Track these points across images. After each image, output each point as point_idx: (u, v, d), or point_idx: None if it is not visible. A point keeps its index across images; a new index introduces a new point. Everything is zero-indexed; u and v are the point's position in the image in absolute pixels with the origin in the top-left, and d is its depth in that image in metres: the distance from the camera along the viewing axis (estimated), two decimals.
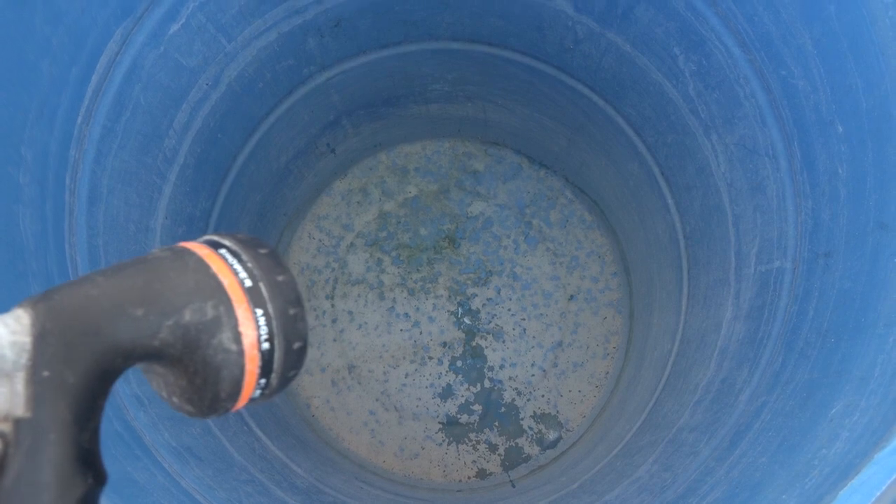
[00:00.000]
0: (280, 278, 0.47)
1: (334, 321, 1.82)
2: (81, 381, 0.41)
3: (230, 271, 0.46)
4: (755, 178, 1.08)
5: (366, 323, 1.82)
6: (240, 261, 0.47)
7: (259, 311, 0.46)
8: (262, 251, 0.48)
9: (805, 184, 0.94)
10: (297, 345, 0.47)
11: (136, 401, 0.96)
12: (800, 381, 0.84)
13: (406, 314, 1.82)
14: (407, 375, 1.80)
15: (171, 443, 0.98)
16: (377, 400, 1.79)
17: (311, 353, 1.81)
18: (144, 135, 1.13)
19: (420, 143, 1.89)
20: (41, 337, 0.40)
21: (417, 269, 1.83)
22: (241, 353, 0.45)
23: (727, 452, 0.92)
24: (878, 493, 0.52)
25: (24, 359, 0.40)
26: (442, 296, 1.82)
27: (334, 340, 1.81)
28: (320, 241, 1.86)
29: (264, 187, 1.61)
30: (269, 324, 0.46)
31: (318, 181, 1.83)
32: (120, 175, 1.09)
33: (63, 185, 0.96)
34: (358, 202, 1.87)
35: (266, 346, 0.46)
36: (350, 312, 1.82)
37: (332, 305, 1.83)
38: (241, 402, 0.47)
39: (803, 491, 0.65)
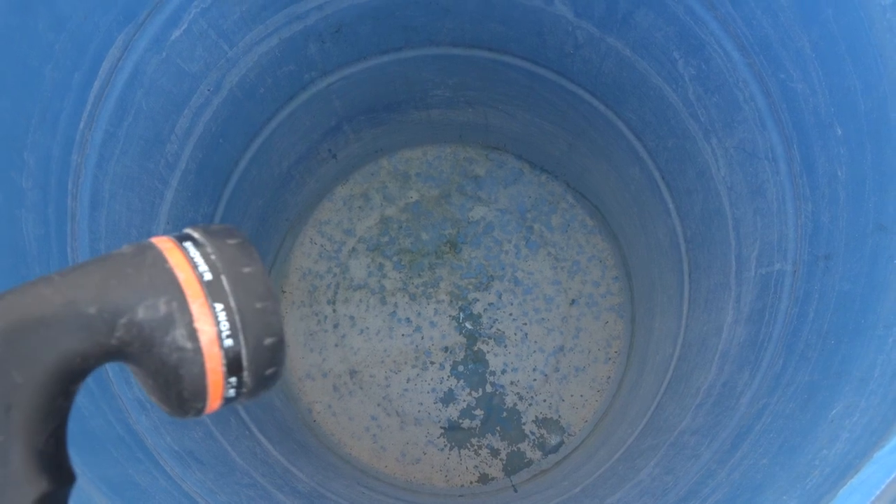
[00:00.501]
0: (246, 270, 0.45)
1: (336, 326, 1.82)
2: (31, 382, 0.40)
3: (189, 265, 0.44)
4: (755, 181, 1.08)
5: (367, 328, 1.82)
6: (203, 253, 0.44)
7: (219, 306, 0.43)
8: (231, 241, 0.46)
9: (805, 187, 0.94)
10: (268, 340, 0.45)
11: (137, 404, 0.96)
12: (800, 383, 0.84)
13: (408, 319, 1.82)
14: (408, 380, 1.80)
15: (173, 446, 0.98)
16: (379, 405, 1.79)
17: (313, 359, 1.81)
18: (146, 140, 1.14)
19: (421, 149, 1.90)
20: None
21: (419, 274, 1.84)
22: (197, 350, 0.43)
23: (728, 455, 0.92)
24: (878, 492, 0.52)
25: None
26: (443, 301, 1.83)
27: (336, 345, 1.82)
28: (322, 246, 1.86)
29: (266, 192, 1.62)
30: (230, 318, 0.43)
31: (320, 186, 1.84)
32: (122, 180, 1.09)
33: (65, 189, 0.96)
34: (359, 207, 1.88)
35: (229, 342, 0.43)
36: (352, 317, 1.83)
37: (334, 310, 1.83)
38: (214, 401, 0.45)
39: (804, 491, 0.65)
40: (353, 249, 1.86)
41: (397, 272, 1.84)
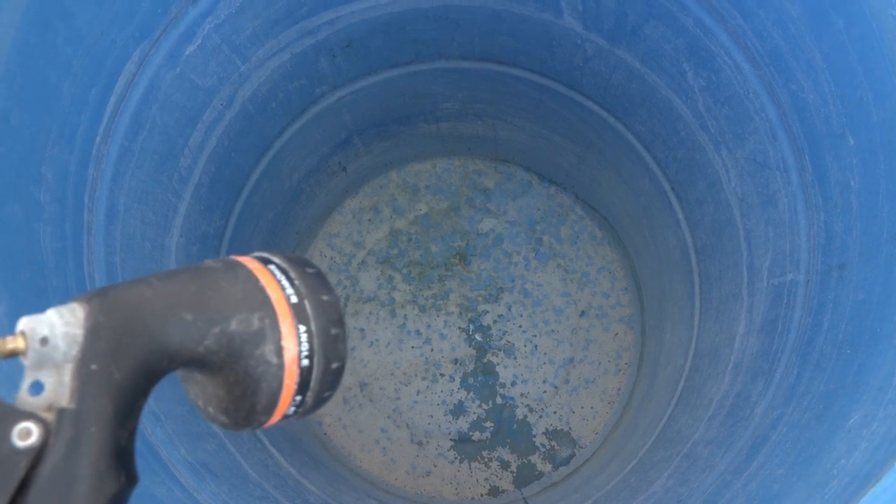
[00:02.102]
0: (325, 298, 0.48)
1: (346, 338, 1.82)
2: (127, 378, 0.41)
3: (278, 286, 0.47)
4: (766, 191, 1.08)
5: (377, 340, 1.82)
6: (287, 277, 0.47)
7: (302, 328, 0.46)
8: (310, 270, 0.49)
9: (817, 196, 0.94)
10: (335, 365, 0.48)
11: (152, 416, 0.96)
12: (816, 393, 0.84)
13: (417, 331, 1.82)
14: (419, 392, 1.80)
15: (188, 458, 0.98)
16: (389, 417, 1.79)
17: None
18: (160, 154, 1.15)
19: (430, 162, 1.91)
20: (93, 330, 0.41)
21: (429, 286, 1.84)
22: (281, 366, 0.45)
23: (744, 465, 0.92)
24: None
25: (75, 350, 0.41)
26: (453, 312, 1.83)
27: None
28: (332, 258, 1.87)
29: (277, 205, 1.63)
30: (310, 341, 0.46)
31: (330, 199, 1.85)
32: (136, 194, 1.10)
33: (82, 203, 0.97)
34: (369, 220, 1.88)
35: (305, 362, 0.46)
36: (362, 330, 1.83)
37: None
38: (275, 417, 0.47)
39: (823, 501, 0.65)
40: (363, 262, 1.86)
41: (407, 284, 1.84)
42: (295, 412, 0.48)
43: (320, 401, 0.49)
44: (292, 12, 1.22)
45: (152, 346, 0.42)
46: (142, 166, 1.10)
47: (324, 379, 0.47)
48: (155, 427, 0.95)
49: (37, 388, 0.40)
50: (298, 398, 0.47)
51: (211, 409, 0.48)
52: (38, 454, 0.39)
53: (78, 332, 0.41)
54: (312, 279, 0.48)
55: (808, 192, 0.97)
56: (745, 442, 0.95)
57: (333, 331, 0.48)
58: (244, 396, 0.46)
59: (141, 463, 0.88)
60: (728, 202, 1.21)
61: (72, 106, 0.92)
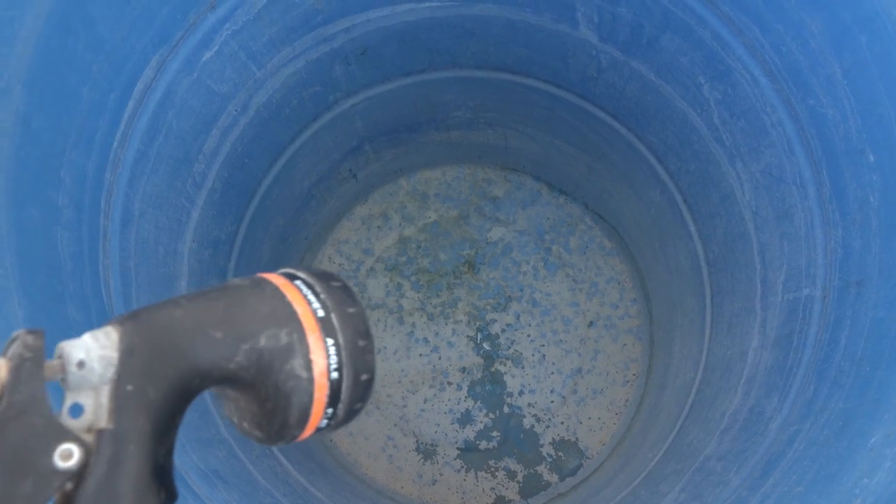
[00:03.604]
0: (351, 310, 0.48)
1: None
2: (162, 397, 0.42)
3: (304, 301, 0.47)
4: (782, 206, 1.08)
5: (385, 347, 1.82)
6: (313, 292, 0.48)
7: (330, 341, 0.47)
8: (335, 284, 0.49)
9: (835, 212, 0.94)
10: (364, 377, 0.48)
11: None
12: (834, 410, 0.83)
13: (425, 339, 1.82)
14: (426, 401, 1.80)
15: (199, 465, 0.98)
16: (396, 425, 1.79)
17: None
18: (175, 159, 1.15)
19: (440, 169, 1.91)
20: (128, 352, 0.42)
21: (437, 294, 1.84)
22: (310, 380, 0.46)
23: (759, 482, 0.91)
24: None
25: (111, 373, 0.42)
26: (461, 321, 1.83)
27: None
28: (340, 265, 1.87)
29: (287, 211, 1.63)
30: (338, 353, 0.47)
31: (340, 206, 1.85)
32: (151, 199, 1.10)
33: (98, 207, 0.97)
34: (378, 227, 1.88)
35: (335, 375, 0.47)
36: None
37: None
38: (308, 430, 0.48)
39: None
40: (372, 269, 1.86)
41: (415, 292, 1.84)
42: (328, 425, 0.49)
43: (352, 412, 0.49)
44: (309, 20, 1.22)
45: (185, 364, 0.43)
46: (157, 171, 1.10)
47: (354, 391, 0.48)
48: None
49: (76, 410, 0.42)
50: (330, 411, 0.47)
51: (245, 425, 0.49)
52: (78, 475, 0.40)
53: (113, 354, 0.42)
54: (338, 292, 0.49)
55: (825, 208, 0.97)
56: (761, 457, 0.94)
57: (361, 342, 0.48)
58: (276, 411, 0.46)
59: None
60: (742, 215, 1.21)
61: (91, 110, 0.92)
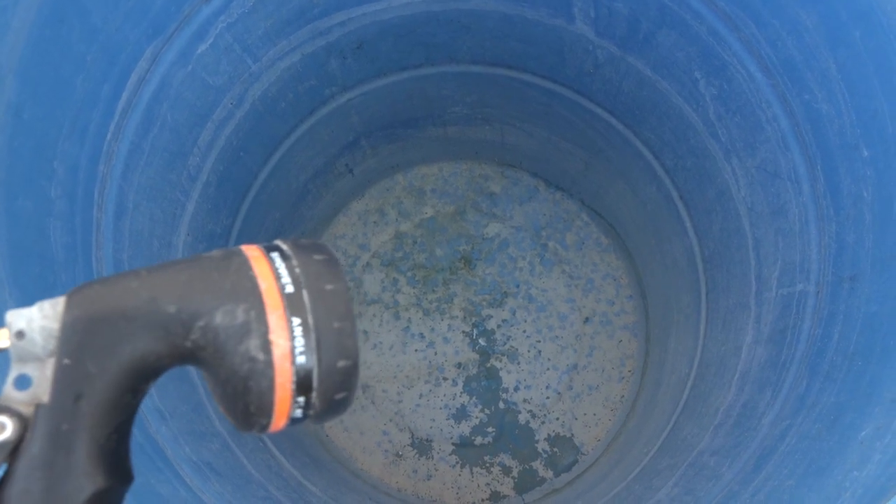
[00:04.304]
0: (329, 287, 0.43)
1: None
2: (103, 373, 0.40)
3: (272, 275, 0.42)
4: (777, 201, 1.08)
5: (380, 343, 1.82)
6: (288, 265, 0.43)
7: (296, 321, 0.41)
8: (317, 257, 0.44)
9: (829, 207, 0.94)
10: (342, 363, 0.43)
11: (157, 414, 0.96)
12: (826, 405, 0.84)
13: (421, 334, 1.82)
14: (421, 396, 1.80)
15: (192, 457, 0.98)
16: (391, 420, 1.79)
17: None
18: (170, 152, 1.15)
19: (437, 165, 1.91)
20: (69, 324, 0.40)
21: (433, 290, 1.84)
22: (269, 363, 0.41)
23: (752, 475, 0.91)
24: None
25: (52, 345, 0.40)
26: (457, 316, 1.82)
27: None
28: None
29: (283, 206, 1.63)
30: (306, 335, 0.41)
31: (336, 201, 1.85)
32: (145, 191, 1.10)
33: (92, 199, 0.97)
34: (374, 222, 1.88)
35: (302, 359, 0.41)
36: (365, 332, 1.82)
37: None
38: (279, 420, 0.43)
39: None
40: (368, 264, 1.86)
41: (411, 287, 1.84)
42: (304, 415, 0.44)
43: (333, 403, 0.43)
44: (304, 13, 1.22)
45: (133, 340, 0.40)
46: (151, 164, 1.10)
47: (328, 378, 0.42)
48: (160, 425, 0.95)
49: (22, 382, 0.40)
50: (301, 399, 0.42)
51: (221, 408, 0.45)
52: (13, 449, 0.39)
53: (54, 325, 0.40)
54: (318, 266, 0.44)
55: (819, 203, 0.97)
56: (753, 452, 0.94)
57: (337, 324, 0.42)
58: (236, 396, 0.42)
59: (146, 461, 0.88)
60: (737, 211, 1.21)
61: (84, 102, 0.92)
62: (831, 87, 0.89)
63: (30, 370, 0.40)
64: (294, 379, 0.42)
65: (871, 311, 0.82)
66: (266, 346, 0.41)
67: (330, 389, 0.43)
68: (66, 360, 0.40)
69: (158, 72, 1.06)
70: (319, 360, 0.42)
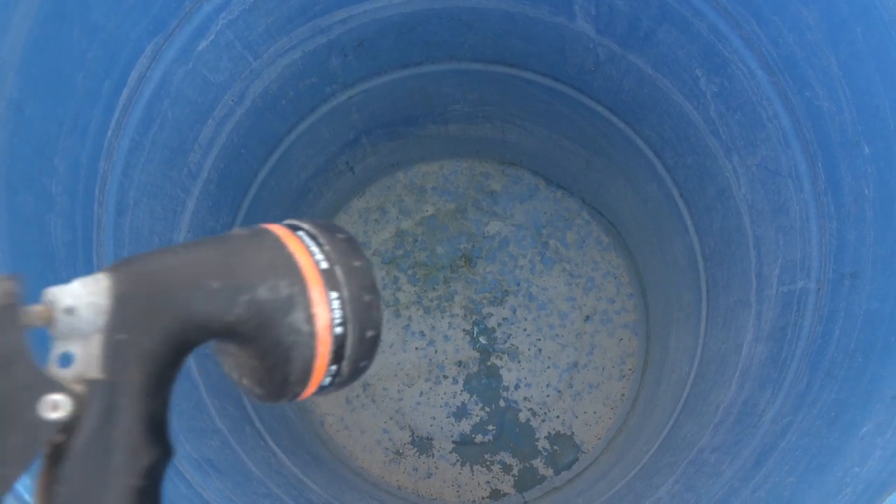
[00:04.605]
0: (356, 264, 0.46)
1: None
2: (156, 347, 0.41)
3: (307, 252, 0.45)
4: (777, 199, 1.08)
5: (381, 341, 1.82)
6: (317, 243, 0.46)
7: (334, 294, 0.45)
8: (340, 236, 0.47)
9: (830, 205, 0.94)
10: (370, 333, 0.47)
11: None
12: (827, 401, 0.84)
13: (421, 332, 1.82)
14: (421, 394, 1.80)
15: (192, 454, 0.98)
16: (391, 418, 1.79)
17: None
18: (171, 149, 1.15)
19: (438, 163, 1.91)
20: (120, 299, 0.40)
21: (433, 288, 1.84)
22: (312, 334, 0.44)
23: (752, 472, 0.91)
24: None
25: (101, 321, 0.40)
26: (458, 315, 1.83)
27: None
28: None
29: (284, 204, 1.63)
30: (342, 308, 0.45)
31: (337, 199, 1.85)
32: (146, 188, 1.10)
33: (92, 196, 0.97)
34: (375, 220, 1.88)
35: (339, 330, 0.45)
36: None
37: None
38: (311, 387, 0.46)
39: None
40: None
41: (412, 285, 1.84)
42: (332, 383, 0.47)
43: (357, 371, 0.47)
44: (305, 10, 1.22)
45: (180, 314, 0.42)
46: (152, 161, 1.10)
47: (359, 347, 0.46)
48: None
49: (66, 359, 0.40)
50: (334, 368, 0.46)
51: (246, 381, 0.47)
52: (69, 427, 0.39)
53: (104, 301, 0.40)
54: (343, 244, 0.47)
55: (820, 201, 0.97)
56: (754, 449, 0.94)
57: (367, 297, 0.46)
58: (276, 366, 0.44)
59: None
60: (738, 209, 1.21)
61: (85, 98, 0.92)
62: (832, 84, 0.89)
63: (73, 347, 0.40)
64: (332, 349, 0.45)
65: (871, 309, 0.82)
66: (310, 318, 0.44)
67: (359, 358, 0.47)
68: (120, 336, 0.40)
69: (159, 69, 1.06)
70: (353, 330, 0.45)
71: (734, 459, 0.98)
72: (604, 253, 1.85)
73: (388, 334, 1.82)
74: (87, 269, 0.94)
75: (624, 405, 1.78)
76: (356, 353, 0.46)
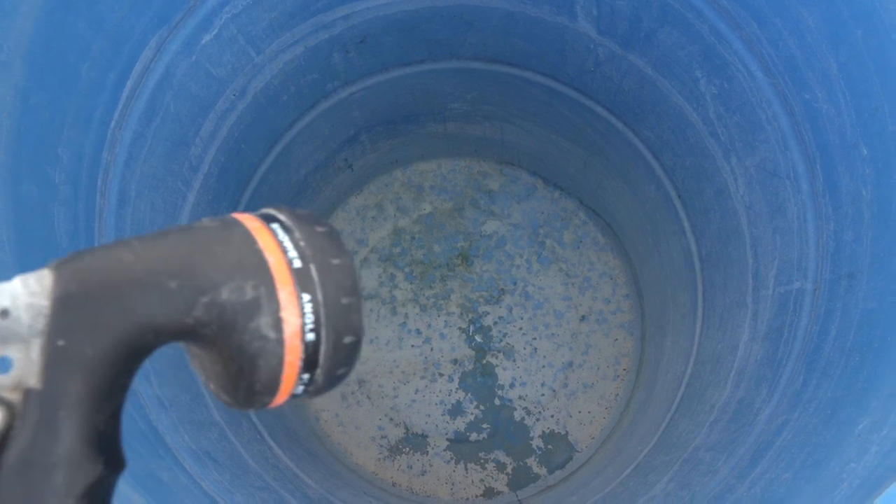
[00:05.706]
0: (335, 262, 0.41)
1: None
2: (101, 354, 0.37)
3: (278, 249, 0.40)
4: (775, 200, 1.09)
5: (377, 338, 1.82)
6: (292, 238, 0.41)
7: (306, 297, 0.40)
8: (320, 230, 0.42)
9: (827, 206, 0.95)
10: (347, 339, 0.41)
11: (157, 402, 0.96)
12: (823, 400, 0.84)
13: (418, 330, 1.82)
14: (417, 392, 1.80)
15: (191, 446, 0.98)
16: (386, 415, 1.79)
17: None
18: (172, 142, 1.15)
19: (436, 161, 1.91)
20: (61, 301, 0.36)
21: (430, 286, 1.84)
22: (280, 341, 0.39)
23: (748, 470, 0.92)
24: None
25: (41, 324, 0.36)
26: (454, 313, 1.83)
27: None
28: None
29: (283, 199, 1.63)
30: (316, 312, 0.40)
31: (335, 195, 1.85)
32: (147, 180, 1.10)
33: (95, 186, 0.97)
34: (373, 217, 1.89)
35: (311, 336, 0.40)
36: None
37: None
38: (281, 396, 0.42)
39: (833, 503, 0.66)
40: (366, 259, 1.86)
41: (409, 283, 1.85)
42: (305, 391, 0.42)
43: (334, 378, 0.42)
44: (308, 6, 1.22)
45: (132, 318, 0.37)
46: (154, 153, 1.10)
47: (335, 355, 0.41)
48: (160, 413, 0.95)
49: (2, 364, 0.36)
50: (306, 376, 0.41)
51: (212, 386, 0.43)
52: (1, 440, 0.35)
53: (44, 302, 0.36)
54: (322, 240, 0.41)
55: (818, 202, 0.98)
56: (749, 447, 0.95)
57: (345, 300, 0.41)
58: (241, 374, 0.40)
59: (147, 447, 0.88)
60: (735, 210, 1.22)
61: (89, 89, 0.92)
62: (832, 87, 0.90)
63: (11, 352, 0.36)
64: (302, 356, 0.40)
65: (868, 308, 0.83)
66: (277, 323, 0.39)
67: (334, 365, 0.42)
68: (60, 341, 0.36)
69: (163, 61, 1.06)
70: (327, 337, 0.40)
71: (730, 457, 0.99)
72: (600, 253, 1.86)
73: (385, 331, 1.83)
74: None
75: (618, 405, 1.79)
76: (331, 360, 0.41)
